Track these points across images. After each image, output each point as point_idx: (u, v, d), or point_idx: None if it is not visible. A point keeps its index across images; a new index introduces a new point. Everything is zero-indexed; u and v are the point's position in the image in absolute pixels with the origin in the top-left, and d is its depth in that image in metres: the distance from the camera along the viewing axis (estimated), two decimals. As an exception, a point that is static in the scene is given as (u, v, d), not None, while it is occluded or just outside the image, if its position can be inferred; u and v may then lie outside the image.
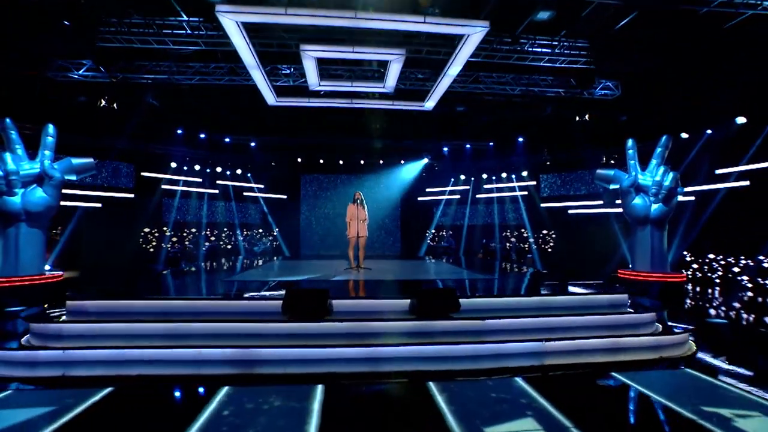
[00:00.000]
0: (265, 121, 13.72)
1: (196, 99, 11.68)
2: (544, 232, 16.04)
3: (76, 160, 8.23)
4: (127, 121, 12.28)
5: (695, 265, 11.89)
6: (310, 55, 8.25)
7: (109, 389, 3.72)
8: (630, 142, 8.72)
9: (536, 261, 14.90)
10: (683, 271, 11.34)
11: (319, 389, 3.69)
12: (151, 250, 14.27)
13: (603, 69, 9.05)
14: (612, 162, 14.17)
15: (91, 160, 8.53)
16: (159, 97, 10.98)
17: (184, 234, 15.20)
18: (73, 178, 8.41)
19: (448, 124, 14.05)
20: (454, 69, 8.78)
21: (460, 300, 5.00)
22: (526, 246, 16.27)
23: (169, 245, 14.56)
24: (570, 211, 15.28)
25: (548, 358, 4.61)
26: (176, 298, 5.36)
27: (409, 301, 5.11)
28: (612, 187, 9.82)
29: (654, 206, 8.55)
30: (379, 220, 17.21)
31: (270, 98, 10.45)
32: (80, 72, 9.29)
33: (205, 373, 4.12)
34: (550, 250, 15.93)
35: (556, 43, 8.61)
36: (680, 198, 8.98)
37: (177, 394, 3.79)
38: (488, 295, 5.81)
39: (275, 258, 13.50)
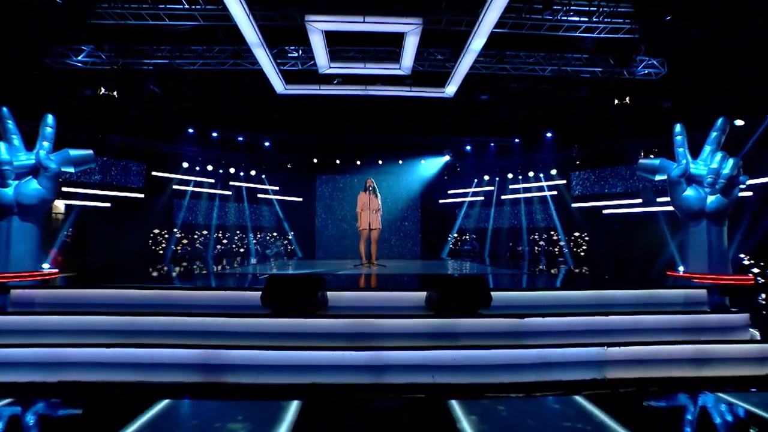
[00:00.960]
0: (277, 117, 12.93)
1: (204, 93, 10.99)
2: (576, 234, 14.57)
3: (74, 152, 7.50)
4: (136, 118, 11.73)
5: (756, 269, 10.25)
6: (317, 28, 7.33)
7: (7, 400, 2.70)
8: (678, 127, 7.39)
9: (570, 263, 13.43)
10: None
11: (293, 408, 2.57)
12: (161, 251, 13.56)
13: (649, 39, 7.76)
14: (651, 156, 12.71)
15: (90, 151, 7.80)
16: (168, 94, 10.34)
17: (195, 236, 14.47)
18: (71, 170, 7.70)
19: (471, 118, 12.92)
20: (477, 42, 7.69)
21: (492, 293, 3.83)
22: (557, 249, 14.81)
23: (179, 247, 13.84)
24: (605, 211, 13.81)
25: (610, 369, 3.37)
26: (137, 286, 4.33)
27: (425, 293, 3.99)
28: (658, 178, 8.47)
29: (710, 198, 7.15)
30: (398, 223, 16.11)
31: (278, 85, 9.60)
32: (79, 58, 8.67)
33: (157, 381, 3.07)
34: (583, 253, 14.44)
35: (594, 8, 7.41)
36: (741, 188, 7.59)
37: (106, 409, 2.75)
38: (527, 287, 4.58)
39: (286, 259, 12.56)
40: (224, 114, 12.56)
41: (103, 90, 8.72)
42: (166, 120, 12.57)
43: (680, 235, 8.65)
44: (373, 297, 4.05)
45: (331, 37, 8.28)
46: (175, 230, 13.98)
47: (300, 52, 8.97)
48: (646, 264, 11.74)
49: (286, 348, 3.30)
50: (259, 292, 3.76)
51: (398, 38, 8.24)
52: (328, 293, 3.91)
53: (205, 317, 3.62)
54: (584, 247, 14.50)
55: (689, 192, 7.24)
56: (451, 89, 9.80)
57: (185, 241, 14.15)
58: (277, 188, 16.15)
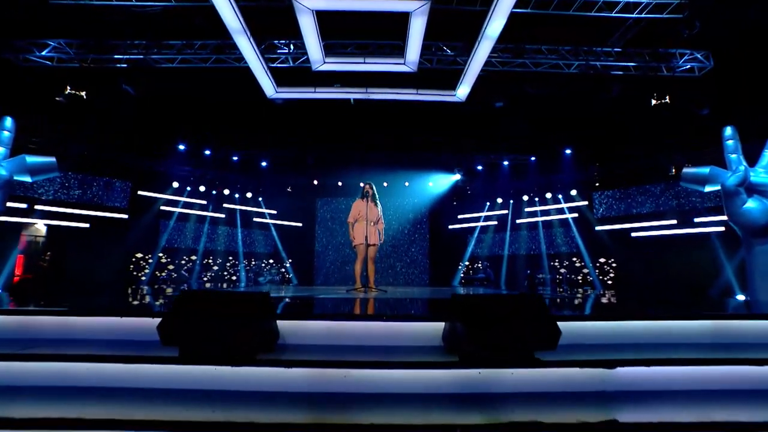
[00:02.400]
0: (272, 131, 11.72)
1: (190, 102, 9.83)
2: (602, 260, 12.79)
3: (31, 159, 6.19)
4: (122, 131, 10.58)
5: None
6: (305, 6, 6.08)
7: None
8: (729, 130, 5.87)
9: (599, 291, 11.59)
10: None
11: None
12: (143, 277, 12.02)
13: (697, 19, 6.37)
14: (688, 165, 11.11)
15: (51, 159, 6.47)
16: (148, 98, 9.20)
17: (183, 261, 12.95)
18: (27, 179, 6.38)
19: (482, 131, 11.56)
20: (495, 24, 6.38)
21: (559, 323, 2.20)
22: (580, 277, 13.00)
23: (163, 272, 12.30)
24: (633, 234, 12.11)
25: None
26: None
27: (443, 325, 2.37)
28: (708, 189, 6.89)
29: (781, 210, 5.58)
30: (404, 247, 14.48)
31: (268, 87, 8.33)
32: (44, 53, 7.52)
33: None
34: (610, 281, 12.61)
35: (635, -18, 6.11)
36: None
37: None
38: (601, 314, 2.84)
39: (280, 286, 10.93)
40: (214, 127, 11.34)
41: (69, 89, 7.45)
42: (153, 133, 11.38)
43: (741, 257, 7.03)
44: (357, 330, 2.41)
45: (325, 27, 7.06)
46: (160, 254, 12.49)
47: (291, 47, 7.74)
48: (687, 293, 9.95)
49: (195, 427, 1.69)
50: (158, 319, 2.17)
51: (402, 29, 7.00)
52: (284, 323, 2.32)
53: (66, 361, 2.04)
54: (611, 274, 12.69)
55: (752, 204, 5.63)
56: (462, 91, 8.45)
57: (171, 267, 12.62)
58: (275, 212, 14.74)
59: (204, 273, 12.93)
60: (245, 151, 12.92)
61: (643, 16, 6.43)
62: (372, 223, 5.92)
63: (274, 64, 7.85)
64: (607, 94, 7.89)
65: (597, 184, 12.92)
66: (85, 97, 7.65)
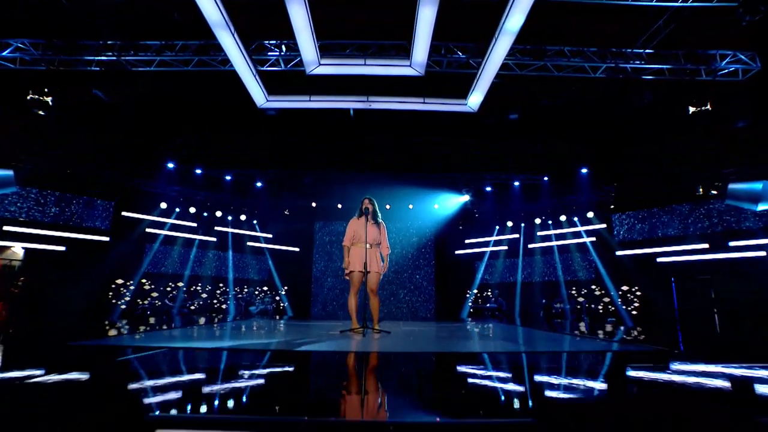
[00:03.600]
0: (268, 150, 10.73)
1: (181, 116, 8.91)
2: (624, 287, 11.47)
3: None
4: (107, 146, 9.62)
5: None
6: (296, -9, 5.14)
7: None
8: None
9: (629, 324, 10.19)
10: None
11: None
12: (123, 306, 10.74)
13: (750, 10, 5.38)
14: (713, 195, 9.98)
15: (8, 172, 5.48)
16: (139, 116, 8.29)
17: (169, 288, 11.70)
18: None
19: (491, 146, 10.54)
20: (515, 18, 5.41)
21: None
22: (601, 307, 11.64)
23: (145, 301, 11.03)
24: (659, 260, 10.85)
25: None
26: None
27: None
28: (762, 207, 5.81)
29: None
30: (407, 272, 13.21)
31: (258, 95, 7.35)
32: (5, 54, 6.58)
33: None
34: (634, 311, 11.25)
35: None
36: None
37: None
38: None
39: (276, 318, 9.62)
40: (204, 143, 10.34)
41: (31, 94, 6.46)
42: (144, 154, 10.42)
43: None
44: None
45: (322, 26, 6.13)
46: (143, 280, 11.26)
47: (283, 48, 6.78)
48: (734, 329, 8.60)
49: None
50: None
51: (408, 28, 6.06)
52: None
53: None
54: (636, 304, 11.33)
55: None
56: (475, 99, 7.44)
57: (155, 294, 11.36)
58: (270, 236, 13.59)
59: (190, 301, 11.64)
60: (238, 170, 11.91)
61: (688, 4, 5.44)
62: (372, 249, 4.74)
63: (264, 67, 6.87)
64: (638, 101, 6.84)
65: (612, 206, 11.77)
66: (51, 103, 6.64)
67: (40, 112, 6.78)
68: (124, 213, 11.01)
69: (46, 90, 6.31)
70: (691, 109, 6.77)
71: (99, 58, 6.61)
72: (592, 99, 7.73)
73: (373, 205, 4.95)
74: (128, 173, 10.63)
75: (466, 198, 12.32)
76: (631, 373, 2.44)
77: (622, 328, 7.01)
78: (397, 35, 6.60)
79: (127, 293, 10.85)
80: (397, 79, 7.18)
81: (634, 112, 7.54)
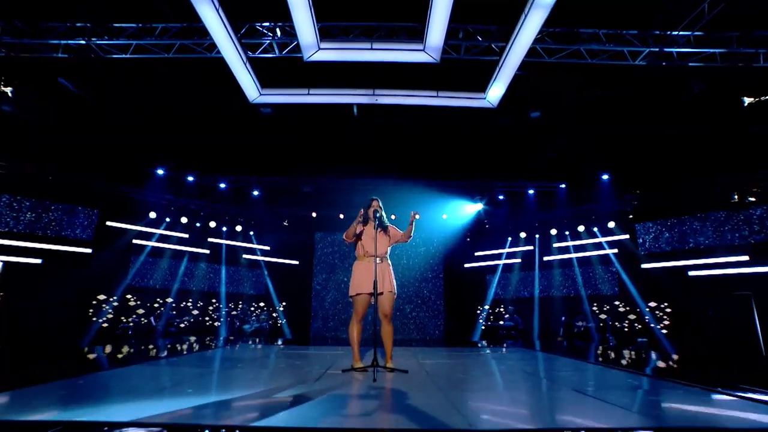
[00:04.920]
0: (264, 156, 9.75)
1: (171, 119, 7.94)
2: (652, 303, 10.31)
3: None
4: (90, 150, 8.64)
5: None
6: (290, -51, 4.18)
7: None
8: None
9: (669, 348, 8.92)
10: None
11: None
12: (105, 324, 9.61)
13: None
14: (752, 199, 8.93)
15: None
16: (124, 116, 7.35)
17: (157, 304, 10.58)
18: None
19: (505, 150, 9.53)
20: (553, -17, 4.45)
21: None
22: (626, 324, 10.46)
23: (129, 319, 9.90)
24: (691, 273, 9.72)
25: None
26: None
27: None
28: None
29: None
30: (415, 286, 12.11)
31: (250, 88, 6.37)
32: (-42, 39, 5.65)
33: None
34: (665, 330, 10.07)
35: None
36: None
37: None
38: None
39: (269, 343, 8.48)
40: (195, 149, 9.35)
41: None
42: (131, 160, 9.44)
43: None
44: None
45: (323, 7, 5.18)
46: (128, 296, 10.16)
47: (278, 32, 5.81)
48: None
49: None
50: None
51: (422, 4, 5.10)
52: None
53: None
54: (666, 321, 10.15)
55: None
56: (495, 92, 6.43)
57: (140, 311, 10.24)
58: (268, 248, 12.52)
59: (178, 319, 10.49)
60: (234, 177, 10.92)
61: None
62: (381, 260, 3.67)
63: (256, 54, 5.89)
64: (687, 93, 5.83)
65: (631, 216, 10.68)
66: (10, 94, 5.66)
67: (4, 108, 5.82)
68: (109, 222, 9.99)
69: (3, 78, 5.32)
70: (747, 100, 5.75)
71: (67, 41, 5.66)
72: (627, 93, 6.73)
73: (380, 209, 3.89)
74: (110, 180, 9.63)
75: (479, 206, 11.24)
76: None
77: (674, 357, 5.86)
78: (408, 16, 5.64)
79: (110, 309, 9.74)
80: (407, 72, 6.23)
81: (675, 107, 6.53)
